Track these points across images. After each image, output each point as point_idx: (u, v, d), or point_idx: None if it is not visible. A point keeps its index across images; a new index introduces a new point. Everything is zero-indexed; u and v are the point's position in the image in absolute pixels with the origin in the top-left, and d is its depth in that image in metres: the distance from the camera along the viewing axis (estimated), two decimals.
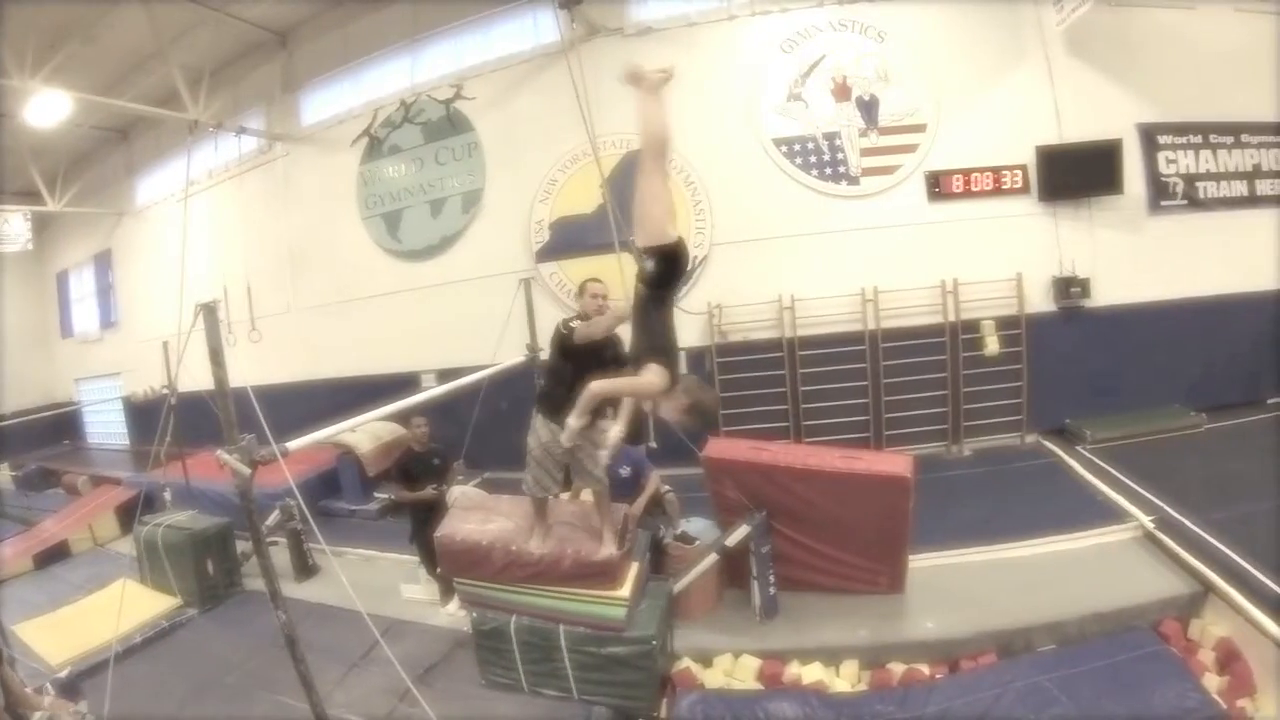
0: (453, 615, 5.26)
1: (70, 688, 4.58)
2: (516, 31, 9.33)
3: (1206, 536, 5.11)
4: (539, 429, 4.19)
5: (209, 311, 3.23)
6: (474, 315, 8.22)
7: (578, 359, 4.01)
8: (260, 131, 11.10)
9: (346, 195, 10.42)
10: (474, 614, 4.44)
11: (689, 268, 3.99)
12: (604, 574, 4.10)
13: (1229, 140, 8.26)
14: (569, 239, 8.82)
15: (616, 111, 7.86)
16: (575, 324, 4.09)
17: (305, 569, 6.78)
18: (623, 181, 7.44)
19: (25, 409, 13.72)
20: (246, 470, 3.20)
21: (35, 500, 11.37)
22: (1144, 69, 8.08)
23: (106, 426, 15.37)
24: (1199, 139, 8.25)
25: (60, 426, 14.92)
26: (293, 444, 3.37)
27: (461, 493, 5.34)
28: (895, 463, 5.05)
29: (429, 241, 9.83)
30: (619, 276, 6.61)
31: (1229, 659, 4.29)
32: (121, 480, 10.44)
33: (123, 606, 5.13)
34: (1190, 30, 8.09)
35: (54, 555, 8.55)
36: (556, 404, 4.03)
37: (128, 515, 8.52)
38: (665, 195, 3.44)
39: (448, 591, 5.23)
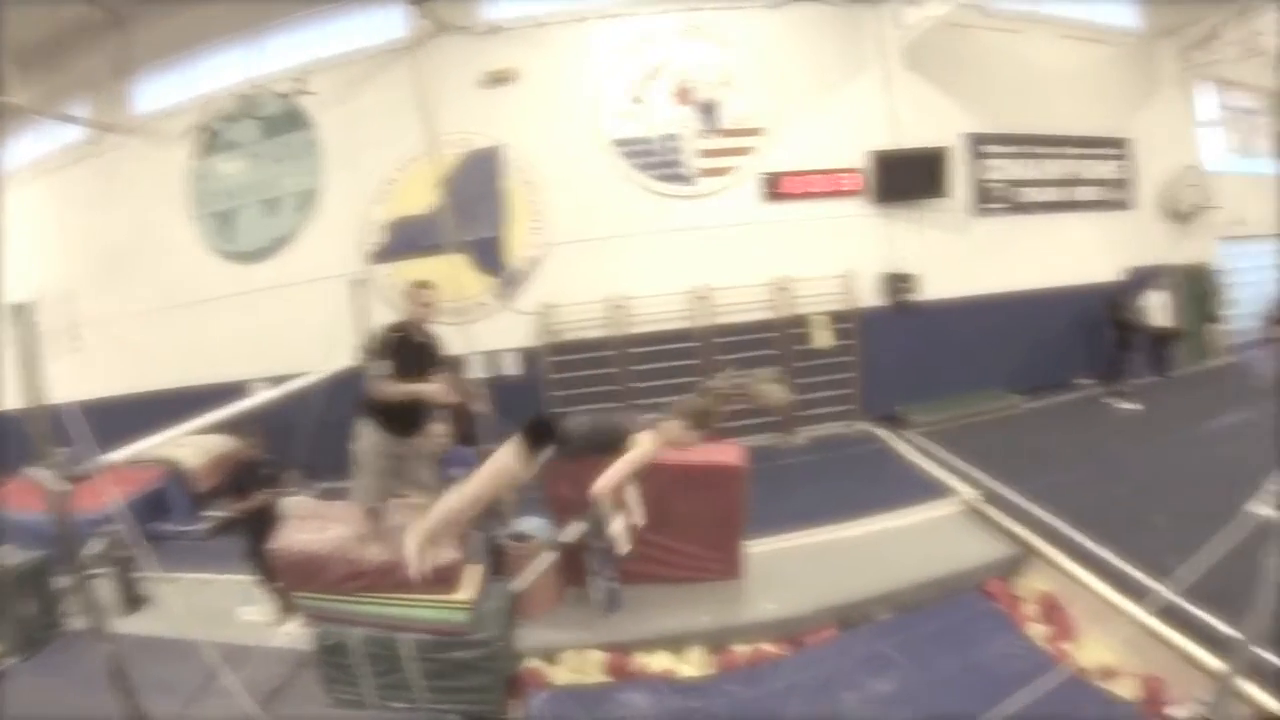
0: (292, 634, 4.91)
1: None
2: (363, 26, 8.99)
3: (1025, 504, 5.68)
4: (366, 435, 3.98)
5: (20, 312, 2.90)
6: (308, 320, 7.87)
7: (401, 361, 3.86)
8: (87, 120, 9.95)
9: (178, 192, 9.69)
10: (315, 630, 4.09)
11: None
12: (443, 578, 3.87)
13: (1049, 150, 9.28)
14: (405, 240, 8.57)
15: (459, 110, 7.90)
16: (396, 332, 3.98)
17: (133, 600, 6.18)
18: (462, 180, 7.43)
19: None
20: (63, 488, 2.87)
21: None
22: (975, 84, 8.91)
23: None
24: (1021, 149, 9.18)
25: None
26: (113, 456, 3.10)
27: (295, 502, 5.04)
28: (728, 453, 5.19)
29: (261, 243, 9.28)
30: (454, 275, 6.42)
31: (1051, 610, 4.74)
32: None
33: None
34: (1018, 51, 9.01)
35: None
36: (380, 410, 3.91)
37: None
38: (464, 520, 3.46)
39: (287, 609, 4.97)
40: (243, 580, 5.74)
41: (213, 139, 9.44)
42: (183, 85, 9.71)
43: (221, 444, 7.35)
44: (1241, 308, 10.21)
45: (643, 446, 3.24)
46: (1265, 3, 6.17)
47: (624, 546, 3.49)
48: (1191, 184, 9.80)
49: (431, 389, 3.52)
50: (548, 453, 3.26)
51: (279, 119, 9.08)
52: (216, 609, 5.65)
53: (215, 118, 9.38)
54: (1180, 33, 9.74)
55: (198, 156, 9.48)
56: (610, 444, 3.31)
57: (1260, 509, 2.73)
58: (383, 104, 8.59)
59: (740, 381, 3.30)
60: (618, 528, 3.49)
